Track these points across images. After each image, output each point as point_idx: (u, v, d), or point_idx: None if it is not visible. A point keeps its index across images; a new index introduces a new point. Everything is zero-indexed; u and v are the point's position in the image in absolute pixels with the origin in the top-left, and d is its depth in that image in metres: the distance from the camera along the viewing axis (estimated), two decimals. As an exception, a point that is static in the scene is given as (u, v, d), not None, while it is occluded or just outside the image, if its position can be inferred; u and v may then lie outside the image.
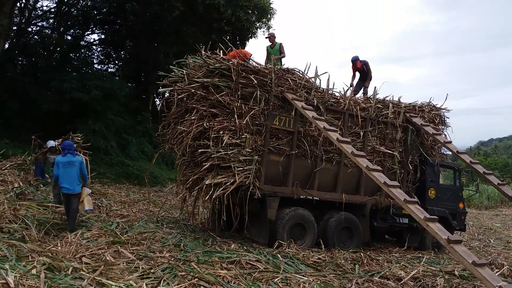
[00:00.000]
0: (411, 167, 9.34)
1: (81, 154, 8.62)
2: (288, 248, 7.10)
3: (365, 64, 10.29)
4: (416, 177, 9.46)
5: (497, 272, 6.09)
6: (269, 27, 19.93)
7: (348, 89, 9.55)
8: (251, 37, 20.03)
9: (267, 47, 9.66)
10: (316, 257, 6.75)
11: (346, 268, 6.25)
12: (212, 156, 7.11)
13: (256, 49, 30.38)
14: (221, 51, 7.82)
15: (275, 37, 9.65)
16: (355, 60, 10.32)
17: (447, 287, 5.33)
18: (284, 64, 8.74)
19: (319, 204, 8.20)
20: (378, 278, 5.78)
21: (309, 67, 8.45)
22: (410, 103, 9.82)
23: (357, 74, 10.46)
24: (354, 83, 10.36)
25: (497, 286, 4.46)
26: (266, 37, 9.80)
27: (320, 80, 8.57)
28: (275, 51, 9.40)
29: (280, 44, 9.49)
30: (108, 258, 5.36)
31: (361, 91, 10.21)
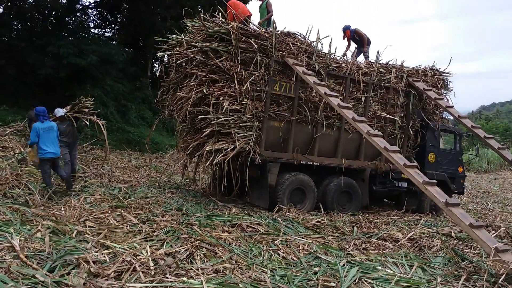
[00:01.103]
0: (411, 132, 9.33)
1: (97, 119, 8.40)
2: (288, 212, 7.23)
3: (355, 32, 10.15)
4: (417, 142, 9.48)
5: (493, 233, 6.21)
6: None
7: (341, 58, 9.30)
8: (251, -1, 19.41)
9: (259, 7, 8.98)
10: (316, 220, 6.89)
11: (344, 230, 6.39)
12: (212, 122, 7.09)
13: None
14: (220, 14, 7.60)
15: None
16: (345, 30, 10.24)
17: (444, 248, 5.46)
18: (274, 24, 7.97)
19: (319, 169, 8.26)
20: (376, 239, 5.92)
21: (310, 31, 8.25)
22: (413, 67, 9.66)
23: (354, 44, 10.35)
24: (350, 51, 10.27)
25: (493, 247, 4.55)
26: None
27: (322, 44, 8.39)
28: (263, 9, 8.76)
29: (267, 2, 8.72)
30: (111, 222, 5.47)
31: (361, 56, 10.04)
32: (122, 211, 6.07)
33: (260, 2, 8.94)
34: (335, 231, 6.35)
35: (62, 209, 6.04)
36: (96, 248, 4.33)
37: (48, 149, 6.96)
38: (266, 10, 8.67)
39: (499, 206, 11.85)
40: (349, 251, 5.24)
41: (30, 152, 7.38)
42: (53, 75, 14.57)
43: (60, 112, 7.96)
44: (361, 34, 10.15)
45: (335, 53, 8.53)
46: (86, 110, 8.35)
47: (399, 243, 5.80)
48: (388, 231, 6.41)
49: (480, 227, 4.97)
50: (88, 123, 8.43)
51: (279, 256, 4.75)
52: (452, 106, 9.02)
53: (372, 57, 9.62)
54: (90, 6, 21.00)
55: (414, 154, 9.50)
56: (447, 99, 9.60)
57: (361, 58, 9.95)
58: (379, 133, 6.88)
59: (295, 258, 4.75)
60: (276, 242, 5.25)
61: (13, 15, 17.05)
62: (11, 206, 5.68)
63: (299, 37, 8.16)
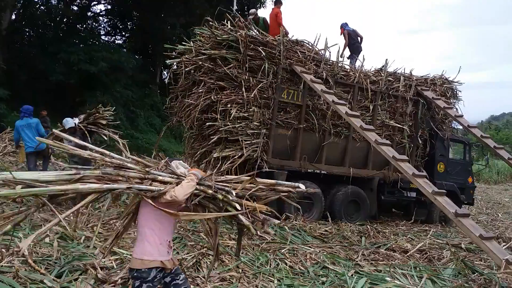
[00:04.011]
0: (420, 141, 9.26)
1: (112, 134, 6.97)
2: (295, 221, 7.19)
3: (348, 33, 9.84)
4: (426, 152, 9.40)
5: (504, 245, 6.11)
6: (278, -3, 19.43)
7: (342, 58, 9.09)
8: (259, 7, 19.61)
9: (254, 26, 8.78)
10: (323, 229, 6.84)
11: (352, 240, 6.33)
12: (220, 129, 7.11)
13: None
14: (228, 22, 7.66)
15: (256, 14, 9.23)
16: (341, 27, 10.05)
17: (454, 260, 5.38)
18: (283, 30, 8.09)
19: (327, 177, 8.22)
20: (384, 250, 5.85)
21: (318, 39, 8.27)
22: (422, 76, 9.62)
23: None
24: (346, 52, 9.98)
25: (504, 259, 4.47)
26: (250, 18, 8.93)
27: (330, 52, 8.41)
28: (260, 27, 8.74)
29: (263, 19, 9.06)
30: (119, 228, 5.47)
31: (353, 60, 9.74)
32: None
33: (251, 21, 8.81)
34: (343, 241, 6.29)
35: (71, 214, 6.05)
36: (104, 253, 4.33)
37: (28, 143, 7.13)
38: (264, 26, 8.84)
39: (509, 217, 11.66)
40: (357, 261, 5.18)
41: (20, 152, 7.43)
42: (64, 81, 14.77)
43: (69, 123, 6.77)
44: (346, 38, 9.85)
45: (343, 61, 8.52)
46: (104, 122, 7.01)
47: (408, 254, 5.73)
48: (397, 242, 6.34)
49: (490, 239, 4.90)
50: (106, 138, 7.05)
51: (286, 265, 4.72)
52: (462, 116, 8.95)
53: (375, 65, 9.47)
54: (101, 13, 21.35)
55: (423, 163, 9.41)
56: (456, 109, 9.52)
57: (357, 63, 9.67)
58: (388, 142, 6.84)
59: (302, 268, 4.71)
60: (283, 251, 5.22)
61: (25, 22, 17.38)
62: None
63: (307, 45, 8.19)
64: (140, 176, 2.73)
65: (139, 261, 2.62)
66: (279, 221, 3.27)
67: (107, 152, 2.91)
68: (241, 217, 2.77)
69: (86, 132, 6.65)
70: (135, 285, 2.61)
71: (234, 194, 2.80)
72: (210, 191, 2.81)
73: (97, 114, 6.96)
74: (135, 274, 2.61)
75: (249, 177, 2.98)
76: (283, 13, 8.96)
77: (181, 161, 3.01)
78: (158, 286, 2.71)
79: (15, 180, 2.48)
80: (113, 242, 3.14)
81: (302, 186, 3.10)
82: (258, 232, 2.97)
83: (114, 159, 2.87)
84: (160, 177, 2.76)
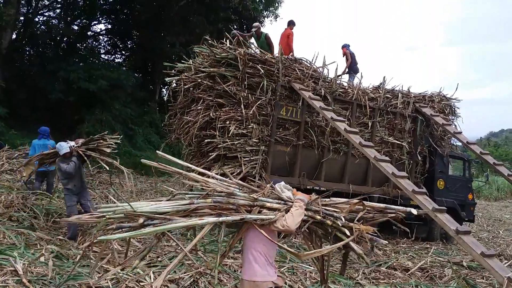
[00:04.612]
0: (420, 158, 9.25)
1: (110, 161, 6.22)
2: (295, 238, 7.10)
3: (346, 54, 10.00)
4: (425, 168, 9.37)
5: (506, 263, 6.03)
6: (276, 16, 19.74)
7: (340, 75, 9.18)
8: (258, 25, 19.84)
9: (256, 42, 8.96)
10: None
11: (353, 258, 6.23)
12: (219, 146, 7.10)
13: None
14: (227, 41, 7.75)
15: (259, 28, 9.14)
16: (342, 47, 10.20)
17: (455, 278, 5.29)
18: (281, 50, 8.06)
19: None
20: (385, 268, 5.76)
21: (316, 57, 8.36)
22: (420, 93, 9.68)
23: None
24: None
25: (505, 277, 4.40)
26: (253, 30, 9.03)
27: (328, 70, 8.48)
28: (262, 42, 8.84)
29: (266, 34, 8.92)
30: (115, 247, 5.39)
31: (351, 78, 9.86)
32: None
33: (253, 33, 9.01)
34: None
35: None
36: (99, 273, 4.25)
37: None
38: (265, 42, 8.82)
39: (510, 234, 11.54)
40: (357, 280, 5.10)
41: (26, 168, 7.39)
42: (63, 99, 14.81)
43: (63, 148, 5.87)
44: (349, 57, 9.99)
45: (341, 78, 8.59)
46: (108, 150, 6.22)
47: (409, 272, 5.65)
48: (397, 260, 6.25)
49: (492, 256, 4.83)
50: (107, 167, 6.32)
51: (286, 284, 4.62)
52: (460, 132, 8.97)
53: (373, 83, 9.53)
54: (102, 32, 21.60)
55: (422, 180, 9.37)
56: (455, 125, 9.56)
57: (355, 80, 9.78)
58: (387, 158, 6.82)
59: (302, 287, 4.62)
60: (282, 269, 5.13)
61: (26, 41, 17.55)
62: (16, 229, 5.64)
63: (305, 63, 8.27)
64: (249, 203, 2.82)
65: (252, 283, 2.70)
66: (386, 242, 3.27)
67: (217, 176, 3.07)
68: (353, 245, 2.81)
69: (84, 156, 6.02)
70: None
71: (344, 220, 2.86)
72: (318, 217, 2.87)
73: (101, 141, 6.29)
74: None
75: (356, 201, 3.03)
76: (295, 34, 9.04)
77: (283, 183, 3.07)
78: None
79: (137, 213, 2.57)
80: (220, 261, 3.18)
81: (414, 211, 3.16)
82: (367, 260, 3.01)
83: (223, 186, 2.98)
84: (268, 204, 2.85)
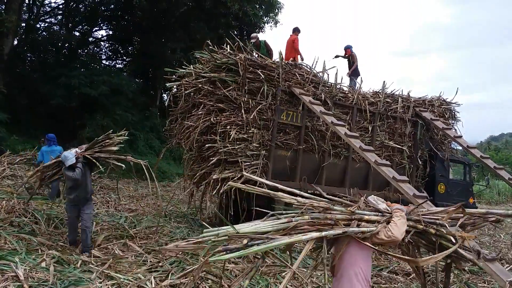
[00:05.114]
0: (420, 162, 9.26)
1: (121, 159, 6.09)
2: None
3: (353, 56, 10.15)
4: (426, 172, 9.38)
5: (507, 267, 6.01)
6: (276, 22, 19.84)
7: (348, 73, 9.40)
8: (258, 32, 19.93)
9: (256, 49, 9.07)
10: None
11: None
12: (219, 151, 7.11)
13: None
14: (228, 46, 7.79)
15: (258, 38, 9.44)
16: (346, 48, 10.33)
17: (457, 282, 5.28)
18: (281, 54, 8.21)
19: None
20: (387, 273, 5.75)
21: (317, 62, 8.40)
22: (420, 98, 9.71)
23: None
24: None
25: (507, 281, 4.37)
26: (252, 41, 9.24)
27: (328, 74, 8.52)
28: (262, 50, 9.04)
29: (265, 41, 9.30)
30: (116, 252, 5.40)
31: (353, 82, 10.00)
32: (127, 240, 6.00)
33: (253, 42, 9.20)
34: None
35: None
36: (100, 278, 4.25)
37: None
38: (265, 49, 9.07)
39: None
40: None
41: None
42: (64, 104, 14.86)
43: (69, 159, 5.42)
44: (354, 59, 10.16)
45: (341, 83, 8.64)
46: (115, 149, 6.00)
47: (410, 277, 5.63)
48: (399, 264, 6.23)
49: (493, 260, 4.81)
50: (120, 164, 6.16)
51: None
52: (461, 136, 8.98)
53: (373, 87, 9.60)
54: (103, 38, 21.71)
55: (423, 184, 9.38)
56: (455, 129, 9.57)
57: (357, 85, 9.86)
58: (387, 162, 6.83)
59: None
60: (283, 274, 5.12)
61: (27, 47, 17.64)
62: (17, 235, 5.65)
63: (305, 68, 8.31)
64: (347, 217, 2.80)
65: None
66: (488, 252, 3.24)
67: (305, 194, 3.07)
68: (462, 251, 2.77)
69: (94, 161, 5.75)
70: None
71: (448, 227, 2.81)
72: (420, 226, 2.82)
73: (107, 141, 6.00)
74: None
75: (456, 207, 2.96)
76: (300, 40, 9.28)
77: (374, 196, 3.03)
78: None
79: (240, 234, 2.63)
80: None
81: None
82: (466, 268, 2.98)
83: (318, 201, 2.98)
84: (366, 216, 2.81)
